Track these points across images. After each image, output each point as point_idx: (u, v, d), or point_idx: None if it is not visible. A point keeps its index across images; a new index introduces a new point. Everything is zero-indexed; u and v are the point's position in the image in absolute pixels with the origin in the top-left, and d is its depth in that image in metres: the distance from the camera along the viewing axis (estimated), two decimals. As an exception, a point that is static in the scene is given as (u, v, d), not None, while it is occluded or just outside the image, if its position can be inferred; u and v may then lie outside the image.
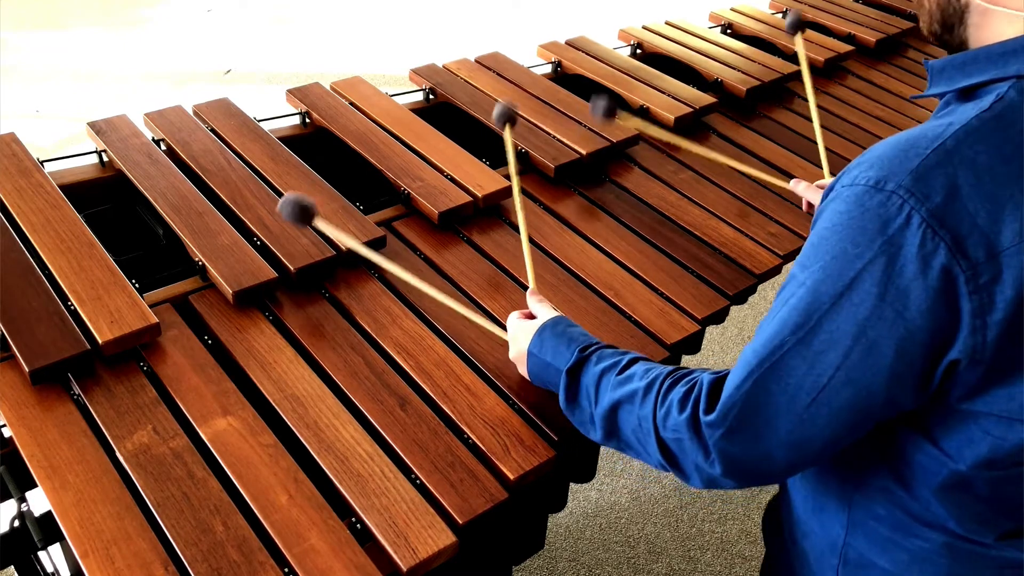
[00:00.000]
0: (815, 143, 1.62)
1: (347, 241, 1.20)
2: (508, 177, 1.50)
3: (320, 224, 1.17)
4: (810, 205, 1.58)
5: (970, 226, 0.69)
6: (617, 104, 1.53)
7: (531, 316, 1.11)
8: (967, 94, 0.79)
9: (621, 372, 0.93)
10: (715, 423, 0.79)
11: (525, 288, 1.29)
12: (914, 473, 0.83)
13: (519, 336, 1.08)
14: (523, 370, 1.08)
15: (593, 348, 0.99)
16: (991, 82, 0.76)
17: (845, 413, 0.76)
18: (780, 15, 2.53)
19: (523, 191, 1.52)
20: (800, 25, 1.71)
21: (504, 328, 1.14)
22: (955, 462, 0.79)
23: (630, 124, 1.59)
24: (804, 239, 1.52)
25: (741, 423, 0.78)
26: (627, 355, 0.96)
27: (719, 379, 0.82)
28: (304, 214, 1.13)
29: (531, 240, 1.40)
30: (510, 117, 1.33)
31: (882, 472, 0.86)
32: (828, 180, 1.53)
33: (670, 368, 0.90)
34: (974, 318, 0.70)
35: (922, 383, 0.75)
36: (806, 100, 1.61)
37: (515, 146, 1.37)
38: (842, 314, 0.73)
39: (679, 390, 0.84)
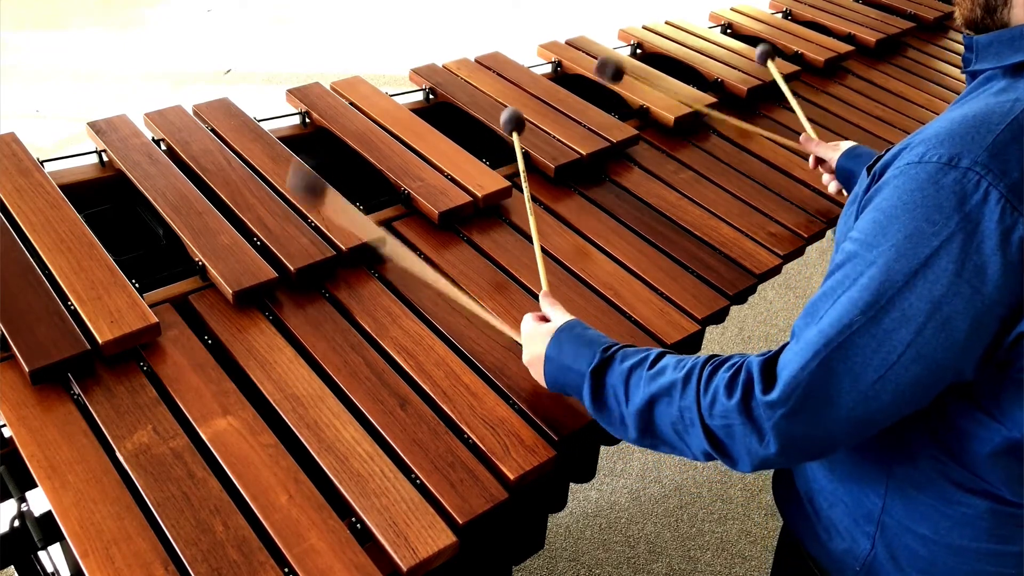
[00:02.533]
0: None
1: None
2: (509, 178, 1.50)
3: (331, 199, 1.19)
4: (818, 161, 1.56)
5: None
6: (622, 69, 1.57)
7: (544, 319, 1.09)
8: (1017, 71, 0.80)
9: (652, 367, 0.91)
10: (777, 403, 0.78)
11: (525, 288, 1.29)
12: (962, 442, 0.83)
13: (535, 339, 1.05)
14: (538, 374, 1.05)
15: (615, 348, 0.98)
16: None
17: (911, 388, 0.76)
18: (780, 15, 2.53)
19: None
20: (771, 54, 1.80)
21: (512, 326, 1.14)
22: (1009, 429, 0.80)
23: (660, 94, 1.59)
24: (804, 239, 1.52)
25: (804, 403, 0.77)
26: (653, 350, 0.94)
27: (770, 360, 0.81)
28: (313, 188, 1.19)
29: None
30: (518, 122, 1.35)
31: (925, 441, 0.86)
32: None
33: (704, 357, 0.89)
34: None
35: (988, 355, 0.76)
36: (806, 100, 1.61)
37: (522, 148, 1.38)
38: (916, 292, 0.73)
39: (722, 375, 0.83)
